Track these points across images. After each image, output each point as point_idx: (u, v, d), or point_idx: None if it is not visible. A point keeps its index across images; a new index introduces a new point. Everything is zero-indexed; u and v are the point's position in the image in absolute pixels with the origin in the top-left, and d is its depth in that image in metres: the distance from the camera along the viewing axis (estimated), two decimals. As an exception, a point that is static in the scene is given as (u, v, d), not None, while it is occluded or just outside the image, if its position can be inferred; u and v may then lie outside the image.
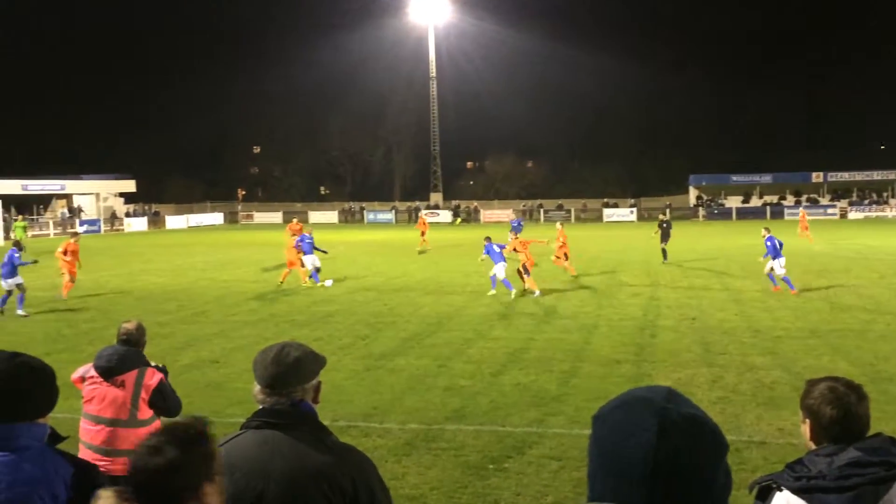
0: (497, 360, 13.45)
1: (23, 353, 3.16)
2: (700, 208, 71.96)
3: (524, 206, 76.77)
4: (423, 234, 38.62)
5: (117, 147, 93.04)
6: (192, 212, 78.77)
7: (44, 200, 67.96)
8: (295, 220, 38.06)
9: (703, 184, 75.66)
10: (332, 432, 2.99)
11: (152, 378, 6.01)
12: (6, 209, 56.98)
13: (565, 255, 25.09)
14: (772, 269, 21.11)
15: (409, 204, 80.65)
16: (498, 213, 74.38)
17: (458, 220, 72.48)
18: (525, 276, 21.79)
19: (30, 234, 57.09)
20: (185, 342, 15.41)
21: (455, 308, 19.31)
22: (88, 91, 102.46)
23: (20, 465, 2.95)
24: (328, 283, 23.41)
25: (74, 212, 67.22)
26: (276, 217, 76.41)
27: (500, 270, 21.31)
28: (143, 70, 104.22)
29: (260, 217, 79.05)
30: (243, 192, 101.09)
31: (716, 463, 1.60)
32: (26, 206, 65.45)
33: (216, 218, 77.66)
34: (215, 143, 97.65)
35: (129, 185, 72.45)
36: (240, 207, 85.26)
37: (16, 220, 49.85)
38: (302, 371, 3.02)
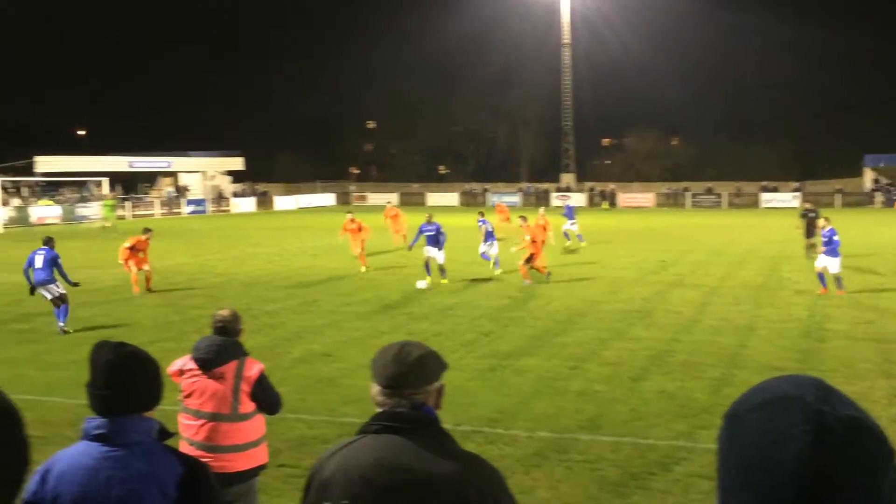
0: (637, 363, 13.23)
1: (128, 343, 3.29)
2: (877, 193, 68.65)
3: (668, 188, 75.20)
4: (505, 220, 37.83)
5: (225, 123, 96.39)
6: (301, 192, 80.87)
7: (150, 178, 71.17)
8: (389, 205, 38.72)
9: (882, 165, 72.05)
10: (455, 440, 2.98)
11: (252, 369, 6.13)
12: (112, 188, 60.04)
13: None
14: None
15: (536, 185, 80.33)
16: (638, 198, 73.11)
17: (606, 203, 71.70)
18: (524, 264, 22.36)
19: (134, 213, 59.98)
20: (295, 333, 15.83)
21: (589, 303, 19.11)
22: (197, 65, 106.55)
23: (131, 462, 3.07)
24: (421, 284, 21.69)
25: (180, 191, 70.10)
26: (392, 198, 77.61)
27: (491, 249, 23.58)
28: (253, 43, 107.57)
29: (374, 198, 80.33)
30: (356, 172, 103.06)
31: (882, 476, 1.46)
32: (132, 184, 68.72)
33: (327, 199, 79.49)
34: (328, 118, 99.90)
35: (237, 163, 74.94)
36: (352, 188, 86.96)
37: (105, 199, 52.26)
38: (425, 372, 3.03)
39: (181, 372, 6.15)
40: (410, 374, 2.98)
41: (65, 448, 3.18)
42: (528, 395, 11.47)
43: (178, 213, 64.85)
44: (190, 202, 67.11)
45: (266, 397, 6.15)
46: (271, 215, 64.21)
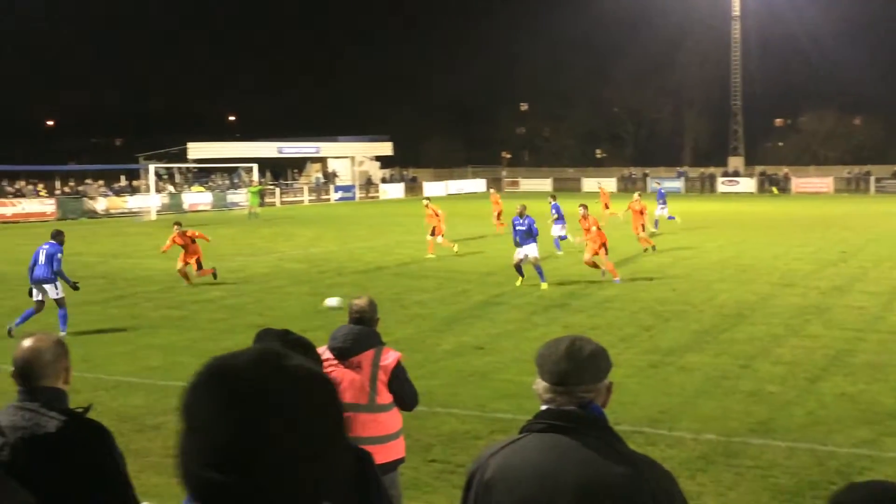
0: (815, 362, 12.74)
1: (292, 331, 3.40)
2: None
3: (848, 172, 71.89)
4: (605, 206, 37.86)
5: (374, 107, 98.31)
6: (451, 177, 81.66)
7: (299, 164, 73.39)
8: (493, 191, 38.84)
9: None
10: (624, 441, 2.95)
11: (389, 357, 6.21)
12: (262, 174, 62.28)
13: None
14: None
15: (701, 170, 78.35)
16: (814, 183, 70.26)
17: (775, 189, 69.39)
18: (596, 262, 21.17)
19: (282, 200, 62.03)
20: (446, 324, 16.01)
21: (760, 297, 18.53)
22: (345, 47, 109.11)
23: None
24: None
25: (329, 177, 71.99)
26: (545, 184, 77.29)
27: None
28: (402, 23, 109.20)
29: (527, 184, 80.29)
30: (508, 156, 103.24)
31: None
32: (282, 170, 71.06)
33: (478, 184, 79.95)
34: (479, 101, 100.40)
35: (386, 148, 76.31)
36: (504, 173, 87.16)
37: (252, 185, 54.06)
38: (597, 368, 3.01)
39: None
40: (583, 370, 2.96)
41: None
42: (693, 394, 11.24)
43: (327, 200, 66.62)
44: (338, 188, 68.82)
45: (402, 388, 6.23)
46: (421, 202, 65.13)
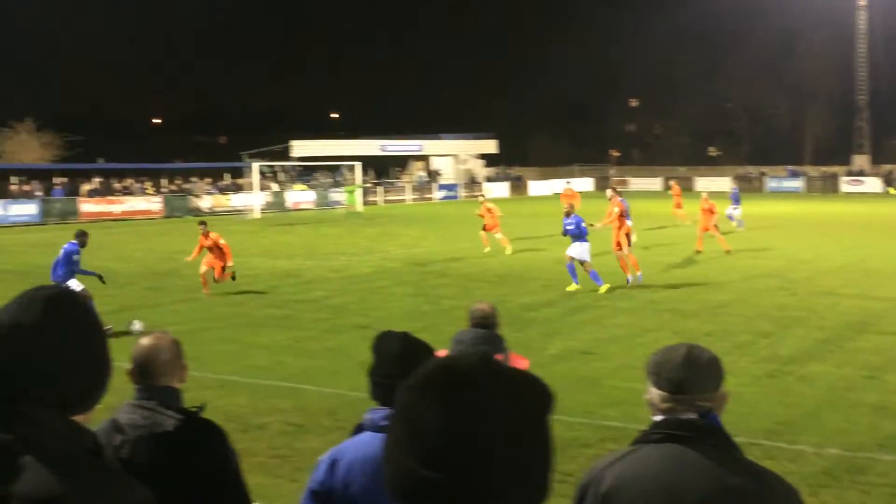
0: (948, 375, 12.26)
1: (408, 333, 3.43)
2: None
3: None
4: (677, 205, 38.36)
5: (479, 104, 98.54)
6: (557, 176, 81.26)
7: (401, 162, 74.05)
8: (567, 187, 38.89)
9: None
10: (743, 452, 2.91)
11: (520, 365, 6.20)
12: (365, 172, 63.03)
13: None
14: None
15: (823, 169, 76.19)
16: (946, 182, 67.61)
17: (891, 189, 67.14)
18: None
19: (385, 198, 62.66)
20: (552, 329, 15.94)
21: (888, 303, 17.92)
22: (449, 43, 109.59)
23: None
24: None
25: (432, 175, 72.46)
26: (656, 183, 76.29)
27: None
28: (505, 18, 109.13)
29: (636, 183, 79.37)
30: (617, 154, 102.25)
31: None
32: (384, 168, 71.81)
33: (585, 184, 79.37)
34: (586, 97, 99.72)
35: (491, 146, 76.38)
36: (612, 171, 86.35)
37: (348, 183, 54.67)
38: (715, 376, 2.98)
39: None
40: (702, 377, 2.93)
41: (349, 439, 3.38)
42: (815, 405, 10.93)
43: (430, 199, 67.05)
44: (441, 187, 69.19)
45: None
46: (526, 201, 65.00)
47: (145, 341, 3.55)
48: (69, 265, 16.16)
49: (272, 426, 10.09)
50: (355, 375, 11.99)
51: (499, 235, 28.61)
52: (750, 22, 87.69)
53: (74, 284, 15.87)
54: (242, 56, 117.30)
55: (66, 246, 16.33)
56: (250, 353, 13.97)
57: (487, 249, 28.23)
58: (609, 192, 22.29)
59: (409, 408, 1.48)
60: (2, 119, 61.63)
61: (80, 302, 2.05)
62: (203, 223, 20.96)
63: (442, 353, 6.30)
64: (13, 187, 49.49)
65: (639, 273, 21.00)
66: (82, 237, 16.58)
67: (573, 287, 20.01)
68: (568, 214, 20.58)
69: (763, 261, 25.06)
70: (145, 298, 19.47)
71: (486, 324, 6.27)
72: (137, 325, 15.21)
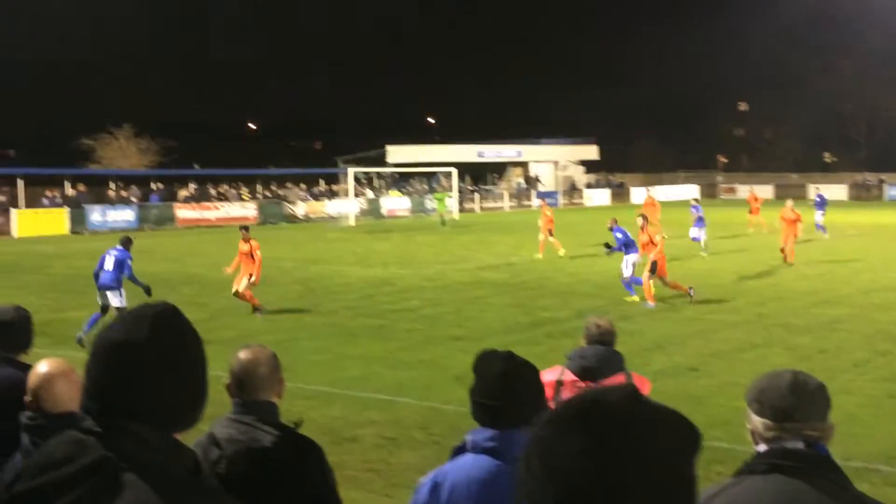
0: None
1: (512, 352, 3.43)
2: None
3: None
4: (752, 212, 38.91)
5: (579, 108, 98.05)
6: (661, 182, 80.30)
7: (499, 169, 74.05)
8: (648, 197, 39.72)
9: None
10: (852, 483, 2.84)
11: (643, 385, 6.08)
12: (461, 178, 63.19)
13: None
14: None
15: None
16: None
17: None
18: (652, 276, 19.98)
19: (482, 205, 62.72)
20: (656, 342, 15.74)
21: None
22: (549, 46, 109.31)
23: None
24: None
25: (531, 182, 72.29)
26: (766, 191, 74.68)
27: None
28: (609, 20, 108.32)
29: (745, 190, 77.74)
30: (724, 160, 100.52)
31: None
32: (481, 175, 71.90)
33: (690, 190, 78.20)
34: (691, 100, 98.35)
35: (592, 152, 75.85)
36: (719, 178, 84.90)
37: (436, 191, 54.84)
38: (823, 404, 2.92)
39: (559, 383, 6.20)
40: (810, 405, 2.87)
41: (450, 460, 3.39)
42: (938, 430, 10.56)
43: (528, 206, 66.89)
44: (540, 194, 68.94)
45: None
46: (628, 209, 64.30)
47: (243, 355, 3.62)
48: (120, 272, 16.13)
49: (365, 439, 10.19)
50: (450, 388, 12.04)
51: (552, 238, 30.24)
52: (865, 20, 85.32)
53: (118, 298, 16.00)
54: (339, 61, 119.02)
55: (115, 253, 16.30)
56: (343, 364, 14.13)
57: (539, 256, 29.70)
58: (639, 221, 21.73)
59: (548, 442, 1.45)
60: (101, 125, 63.61)
61: (184, 320, 2.12)
62: (245, 228, 19.67)
63: (546, 373, 6.26)
64: (111, 193, 51.04)
65: (651, 303, 19.80)
66: (129, 243, 16.64)
67: (631, 298, 20.36)
68: (611, 228, 21.60)
69: (881, 274, 24.34)
70: (240, 307, 19.82)
71: (604, 340, 6.17)
72: None
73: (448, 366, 13.66)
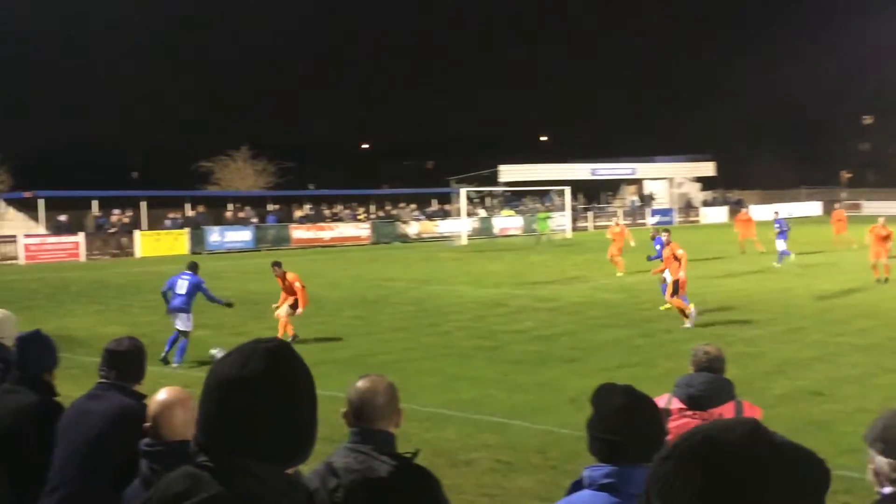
0: None
1: (632, 386, 3.35)
2: None
3: None
4: (838, 231, 39.13)
5: (694, 123, 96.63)
6: (781, 199, 78.39)
7: (612, 187, 73.45)
8: (742, 212, 38.70)
9: None
10: None
11: (754, 414, 5.93)
12: (574, 197, 62.81)
13: None
14: None
15: None
16: None
17: None
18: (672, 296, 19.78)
19: (595, 224, 62.24)
20: (778, 366, 15.32)
21: None
22: (661, 58, 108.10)
23: None
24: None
25: (645, 200, 71.47)
26: (893, 207, 72.19)
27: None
28: (724, 31, 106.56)
29: (870, 207, 75.40)
30: (848, 175, 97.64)
31: None
32: (595, 193, 71.42)
33: (812, 207, 76.25)
34: (814, 114, 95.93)
35: (708, 168, 74.64)
36: (843, 194, 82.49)
37: (540, 211, 54.58)
38: None
39: (665, 412, 6.09)
40: None
41: (566, 496, 3.33)
42: None
43: (643, 224, 66.17)
44: (655, 212, 68.12)
45: None
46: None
47: (361, 384, 3.63)
48: (192, 297, 16.60)
49: (480, 462, 10.14)
50: (565, 412, 11.92)
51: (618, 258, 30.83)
52: None
53: (186, 322, 16.42)
54: (450, 80, 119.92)
55: (187, 279, 16.69)
56: (457, 386, 14.13)
57: (621, 273, 30.10)
58: (665, 236, 21.77)
59: (666, 480, 1.41)
60: (220, 147, 65.35)
61: (296, 355, 2.12)
62: (277, 264, 18.64)
63: (661, 399, 6.13)
64: (228, 214, 52.34)
65: (688, 319, 19.46)
66: (196, 268, 17.19)
67: (665, 307, 21.09)
68: (653, 238, 23.24)
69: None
70: (354, 327, 20.07)
71: (713, 367, 6.04)
72: (217, 352, 15.12)
73: (563, 388, 13.54)
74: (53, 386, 5.57)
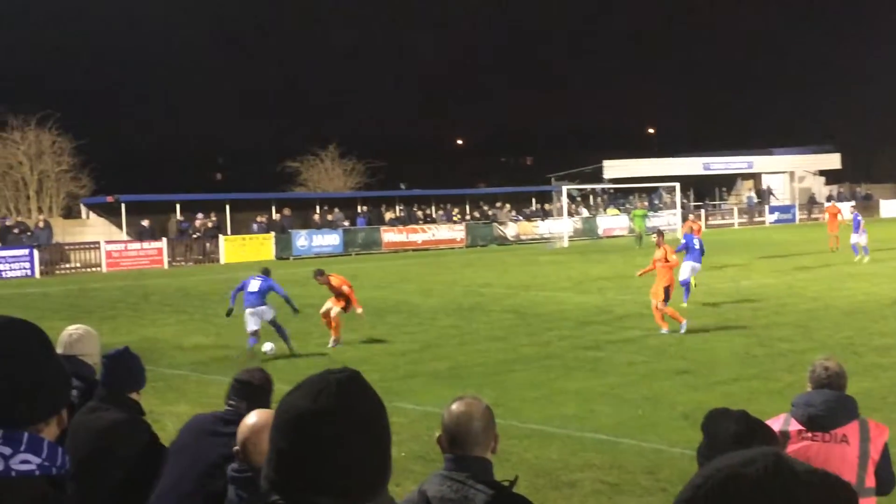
0: None
1: (746, 412, 3.32)
2: None
3: None
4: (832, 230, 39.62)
5: (818, 113, 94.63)
6: (916, 193, 76.39)
7: (727, 182, 72.34)
8: (692, 217, 37.94)
9: None
10: None
11: (881, 433, 5.82)
12: (684, 193, 61.98)
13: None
14: None
15: None
16: None
17: None
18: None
19: (708, 223, 61.37)
20: (913, 378, 14.91)
21: None
22: (780, 44, 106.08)
23: None
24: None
25: (763, 195, 70.21)
26: None
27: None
28: (848, 13, 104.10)
29: None
30: None
31: None
32: (707, 189, 70.46)
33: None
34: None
35: (833, 161, 73.05)
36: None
37: (636, 208, 53.90)
38: None
39: (783, 434, 5.99)
40: None
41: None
42: None
43: (761, 222, 65.06)
44: (774, 209, 66.91)
45: (887, 469, 5.82)
46: (876, 223, 61.44)
47: (456, 407, 3.64)
48: (265, 295, 18.40)
49: (584, 484, 10.09)
50: (676, 428, 11.79)
51: None
52: None
53: (269, 310, 18.33)
54: (548, 68, 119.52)
55: (259, 283, 18.42)
56: (559, 400, 14.08)
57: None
58: (655, 237, 22.24)
59: None
60: (307, 146, 66.23)
61: (370, 387, 2.14)
62: (320, 272, 19.49)
63: (777, 421, 6.01)
64: (316, 216, 52.99)
65: (683, 322, 19.85)
66: (269, 272, 19.22)
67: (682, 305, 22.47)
68: (686, 234, 25.25)
69: None
70: (448, 336, 20.14)
71: (833, 384, 5.92)
72: (269, 347, 17.76)
73: (674, 403, 13.39)
74: (140, 405, 5.72)
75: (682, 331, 19.56)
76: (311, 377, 2.17)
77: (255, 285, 18.24)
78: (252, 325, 18.03)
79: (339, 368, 2.19)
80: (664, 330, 19.63)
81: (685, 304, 23.04)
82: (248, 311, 18.09)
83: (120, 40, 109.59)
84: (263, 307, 18.11)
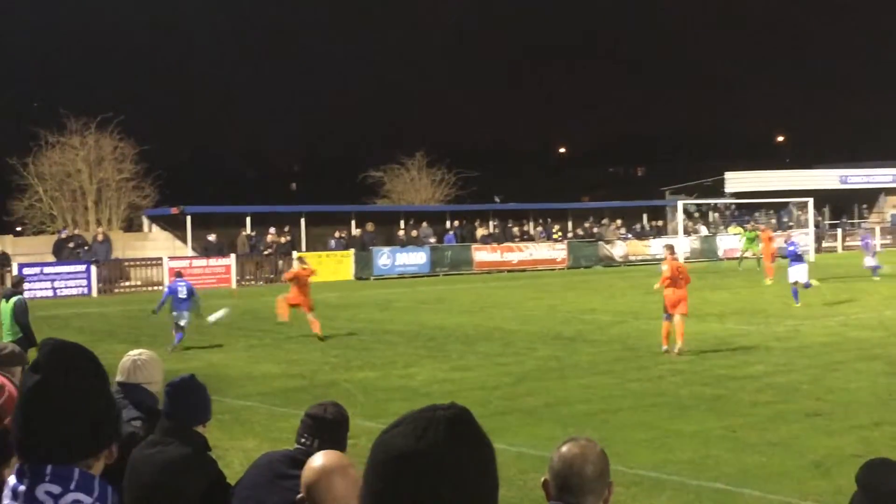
0: None
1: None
2: None
3: None
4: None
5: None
6: None
7: (868, 198, 71.04)
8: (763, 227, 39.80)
9: None
10: None
11: None
12: (818, 210, 60.92)
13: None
14: None
15: None
16: None
17: None
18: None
19: (845, 244, 60.22)
20: None
21: None
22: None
23: None
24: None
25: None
26: None
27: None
28: None
29: None
30: None
31: None
32: (845, 205, 69.27)
33: None
34: None
35: None
36: None
37: (747, 228, 52.91)
38: None
39: None
40: None
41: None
42: None
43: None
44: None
45: None
46: None
47: (567, 449, 3.61)
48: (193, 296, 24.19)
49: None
50: (808, 479, 11.63)
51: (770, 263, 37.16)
52: None
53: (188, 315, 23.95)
54: (662, 69, 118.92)
55: (185, 287, 24.19)
56: (672, 443, 13.96)
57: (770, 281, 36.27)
58: (665, 252, 23.84)
59: None
60: (391, 154, 66.59)
61: (478, 423, 2.14)
62: (300, 258, 28.56)
63: None
64: (401, 232, 52.99)
65: (679, 343, 21.50)
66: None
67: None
68: (786, 241, 29.22)
69: None
70: (547, 369, 20.09)
71: None
72: (220, 315, 24.72)
73: (805, 449, 13.18)
74: (206, 439, 5.82)
75: (666, 349, 21.54)
76: (414, 412, 2.14)
77: (182, 291, 23.85)
78: (182, 322, 23.61)
79: (447, 404, 2.17)
80: (665, 347, 21.61)
81: (798, 304, 28.71)
82: (183, 313, 23.66)
83: (184, 44, 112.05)
84: (188, 312, 23.82)
